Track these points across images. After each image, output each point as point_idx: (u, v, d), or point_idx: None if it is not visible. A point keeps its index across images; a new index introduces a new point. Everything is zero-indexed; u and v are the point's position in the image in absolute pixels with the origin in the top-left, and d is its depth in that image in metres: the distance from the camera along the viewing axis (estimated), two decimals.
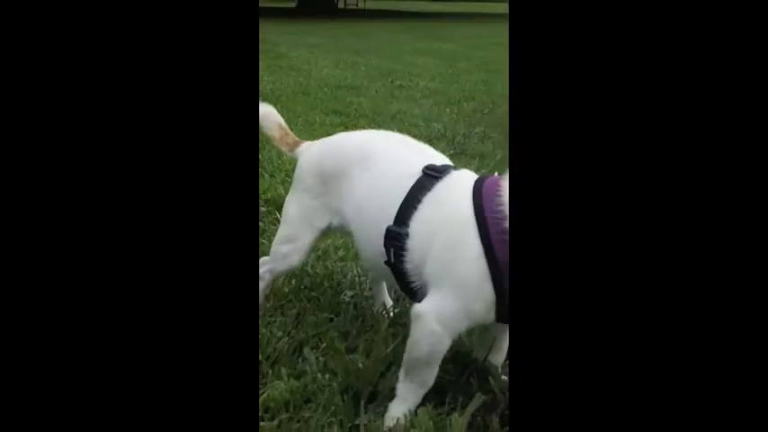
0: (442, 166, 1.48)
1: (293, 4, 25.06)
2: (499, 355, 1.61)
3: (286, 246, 1.74)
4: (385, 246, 1.44)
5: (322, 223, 1.68)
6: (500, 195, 1.31)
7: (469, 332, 1.55)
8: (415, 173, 1.46)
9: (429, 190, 1.42)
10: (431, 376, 1.41)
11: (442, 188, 1.43)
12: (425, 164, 1.48)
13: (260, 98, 4.77)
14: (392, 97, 6.06)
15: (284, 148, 1.84)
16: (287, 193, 2.93)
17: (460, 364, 1.53)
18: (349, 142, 1.73)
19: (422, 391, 1.42)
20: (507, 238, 1.24)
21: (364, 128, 4.52)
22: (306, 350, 1.65)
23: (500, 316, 1.37)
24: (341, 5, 27.36)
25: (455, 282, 1.35)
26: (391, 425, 1.37)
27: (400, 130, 4.38)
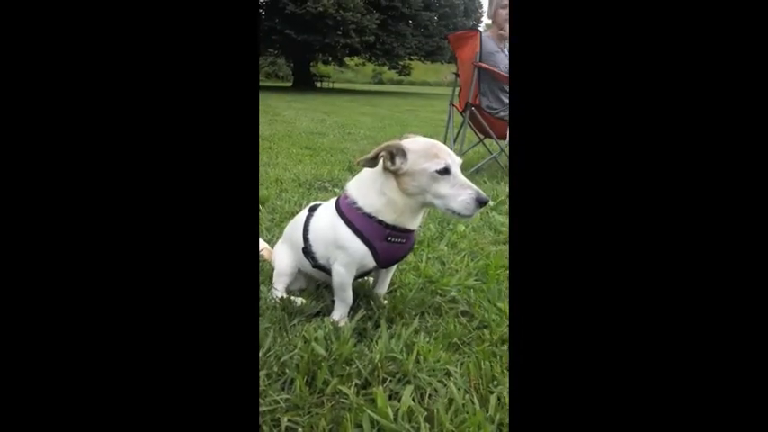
0: (317, 203, 1.62)
1: (290, 84, 25.73)
2: (381, 288, 1.62)
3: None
4: (306, 257, 1.54)
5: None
6: (347, 197, 1.42)
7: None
8: (305, 213, 1.60)
9: (312, 217, 1.55)
10: (348, 296, 1.46)
11: (317, 213, 1.55)
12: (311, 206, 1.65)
13: (261, 140, 4.63)
14: (343, 139, 6.05)
15: (267, 256, 1.87)
16: (271, 195, 2.89)
17: (356, 294, 1.54)
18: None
19: (345, 305, 1.48)
20: (360, 213, 1.38)
21: (324, 157, 4.61)
22: (262, 287, 1.64)
23: (378, 263, 1.42)
24: (319, 86, 27.83)
25: (343, 247, 1.40)
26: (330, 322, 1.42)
27: (344, 158, 4.43)
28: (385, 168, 1.35)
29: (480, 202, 1.29)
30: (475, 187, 1.30)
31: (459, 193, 1.30)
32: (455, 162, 1.34)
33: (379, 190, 1.36)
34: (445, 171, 1.30)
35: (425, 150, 1.32)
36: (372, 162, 1.34)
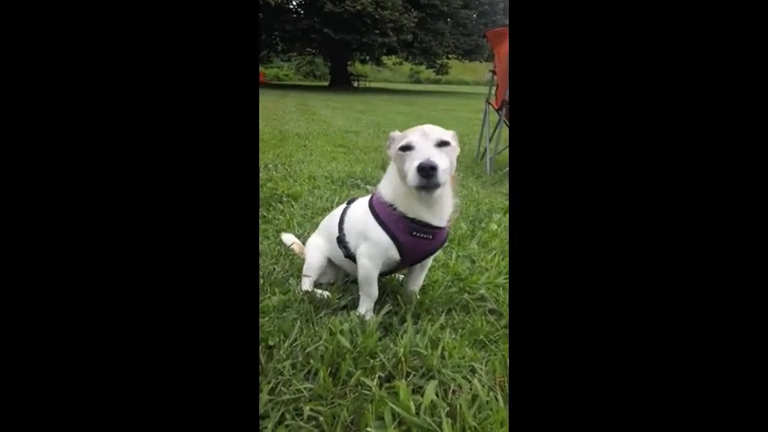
0: (356, 197, 1.66)
1: (327, 84, 26.03)
2: (414, 285, 1.61)
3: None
4: (339, 246, 1.57)
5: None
6: (377, 190, 1.45)
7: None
8: (344, 205, 1.64)
9: (348, 209, 1.58)
10: (373, 291, 1.48)
11: (353, 205, 1.59)
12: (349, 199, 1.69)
13: (297, 138, 4.67)
14: (377, 138, 6.07)
15: (298, 250, 1.91)
16: (303, 191, 2.93)
17: (383, 289, 1.55)
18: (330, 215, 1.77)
19: (371, 300, 1.49)
20: (384, 205, 1.40)
21: (358, 155, 4.64)
22: (291, 280, 1.66)
23: (402, 257, 1.41)
24: (356, 85, 27.94)
25: (369, 238, 1.42)
26: (356, 316, 1.43)
27: (378, 156, 4.45)
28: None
29: (421, 169, 1.17)
30: (426, 154, 1.20)
31: (412, 164, 1.20)
32: (429, 140, 1.25)
33: (391, 179, 1.41)
34: (407, 147, 1.25)
35: (407, 132, 1.31)
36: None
